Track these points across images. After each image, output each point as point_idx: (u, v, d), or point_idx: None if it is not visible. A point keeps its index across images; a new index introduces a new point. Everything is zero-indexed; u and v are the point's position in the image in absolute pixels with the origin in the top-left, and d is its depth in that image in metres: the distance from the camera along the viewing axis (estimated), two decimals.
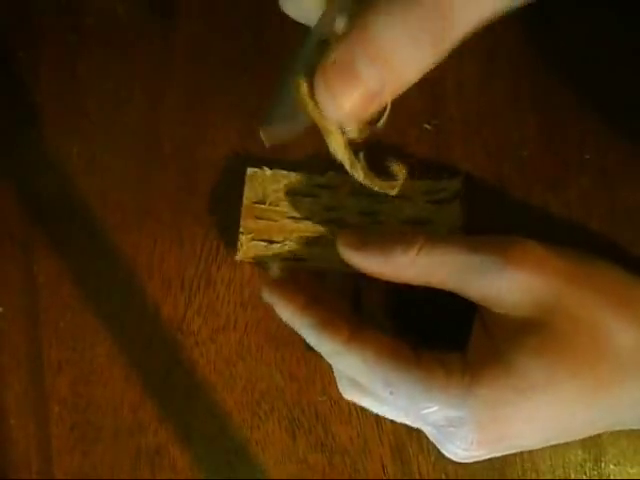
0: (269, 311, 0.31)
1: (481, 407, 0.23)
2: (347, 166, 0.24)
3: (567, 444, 0.27)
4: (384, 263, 0.26)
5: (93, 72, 0.33)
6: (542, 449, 0.29)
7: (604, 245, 0.28)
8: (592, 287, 0.24)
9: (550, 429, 0.24)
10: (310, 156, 0.31)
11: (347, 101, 0.20)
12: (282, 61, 0.25)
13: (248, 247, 0.30)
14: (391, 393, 0.24)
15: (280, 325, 0.31)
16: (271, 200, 0.31)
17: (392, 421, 0.27)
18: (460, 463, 0.26)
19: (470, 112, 0.30)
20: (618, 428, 0.26)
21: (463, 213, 0.29)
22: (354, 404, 0.29)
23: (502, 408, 0.23)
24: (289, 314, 0.27)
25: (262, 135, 0.23)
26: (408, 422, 0.27)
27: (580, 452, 0.29)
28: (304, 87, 0.21)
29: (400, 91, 0.21)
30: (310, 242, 0.30)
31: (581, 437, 0.25)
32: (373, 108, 0.21)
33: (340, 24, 0.22)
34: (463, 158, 0.27)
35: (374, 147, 0.24)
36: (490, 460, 0.26)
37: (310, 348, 0.27)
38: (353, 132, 0.23)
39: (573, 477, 0.29)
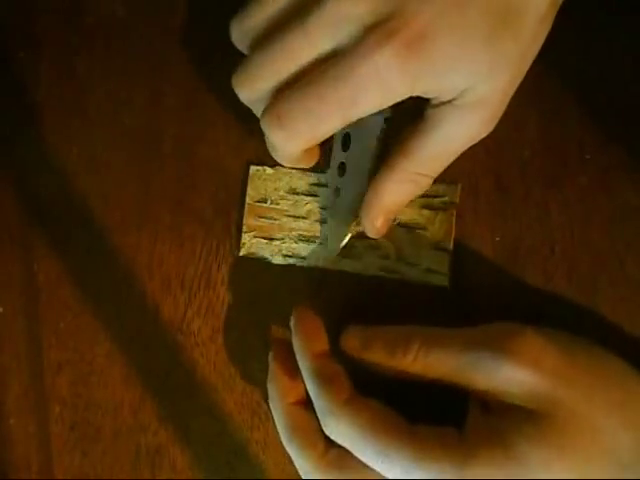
0: (269, 311, 0.31)
1: None
2: None
3: None
4: (387, 364, 0.26)
5: (93, 72, 0.33)
6: None
7: (604, 245, 0.28)
8: (590, 385, 0.24)
9: None
10: None
11: None
12: None
13: (250, 244, 0.31)
14: (382, 462, 0.24)
15: (280, 325, 0.31)
16: (272, 199, 0.31)
17: None
18: None
19: None
20: None
21: (455, 223, 0.29)
22: None
23: None
24: (303, 349, 0.27)
25: None
26: None
27: None
28: None
29: None
30: (309, 240, 0.30)
31: None
32: None
33: None
34: (463, 158, 0.27)
35: None
36: None
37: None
38: None
39: None
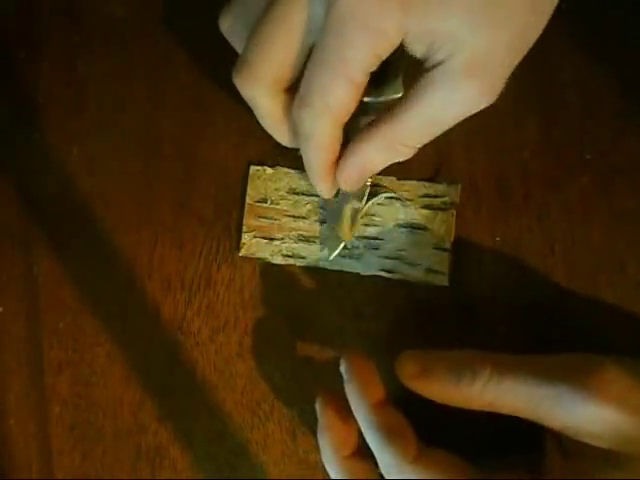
0: (269, 311, 0.31)
1: None
2: None
3: None
4: (449, 394, 0.24)
5: (93, 72, 0.33)
6: None
7: (604, 245, 0.28)
8: None
9: None
10: None
11: None
12: None
13: (250, 244, 0.31)
14: None
15: (280, 325, 0.31)
16: (272, 199, 0.31)
17: None
18: None
19: None
20: None
21: (455, 223, 0.29)
22: None
23: None
24: (360, 398, 0.25)
25: None
26: None
27: None
28: None
29: None
30: (309, 240, 0.30)
31: None
32: None
33: None
34: (463, 159, 0.27)
35: None
36: None
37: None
38: None
39: None
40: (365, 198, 0.29)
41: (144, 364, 0.32)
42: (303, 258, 0.30)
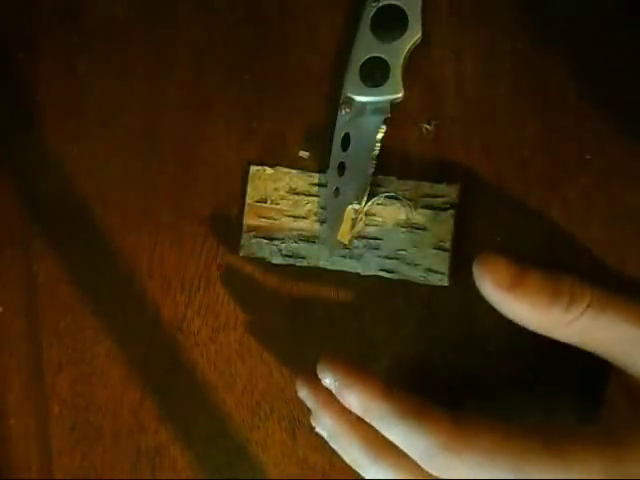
0: (269, 311, 0.31)
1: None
2: None
3: None
4: (537, 315, 0.22)
5: (93, 72, 0.33)
6: None
7: (604, 246, 0.28)
8: None
9: None
10: (310, 155, 0.31)
11: None
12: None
13: (250, 244, 0.31)
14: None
15: (280, 325, 0.31)
16: (272, 199, 0.31)
17: None
18: None
19: (470, 112, 0.30)
20: None
21: (455, 223, 0.29)
22: None
23: None
24: (372, 396, 0.22)
25: None
26: None
27: None
28: None
29: None
30: (309, 240, 0.30)
31: None
32: None
33: None
34: (463, 158, 0.27)
35: None
36: None
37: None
38: None
39: None
40: (365, 198, 0.29)
41: (144, 364, 0.32)
42: (303, 258, 0.30)
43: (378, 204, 0.30)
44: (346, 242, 0.30)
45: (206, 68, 0.32)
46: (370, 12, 0.29)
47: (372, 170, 0.28)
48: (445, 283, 0.29)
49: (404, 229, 0.30)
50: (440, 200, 0.29)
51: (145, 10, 0.33)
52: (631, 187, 0.28)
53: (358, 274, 0.30)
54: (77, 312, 0.33)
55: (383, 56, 0.28)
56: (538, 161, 0.29)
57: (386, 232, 0.29)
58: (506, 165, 0.29)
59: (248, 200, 0.31)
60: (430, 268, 0.29)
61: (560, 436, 0.21)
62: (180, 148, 0.32)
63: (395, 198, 0.30)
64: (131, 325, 0.32)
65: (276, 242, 0.31)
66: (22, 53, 0.34)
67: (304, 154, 0.31)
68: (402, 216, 0.30)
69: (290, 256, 0.31)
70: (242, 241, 0.31)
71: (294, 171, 0.31)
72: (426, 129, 0.30)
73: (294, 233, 0.31)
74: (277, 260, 0.31)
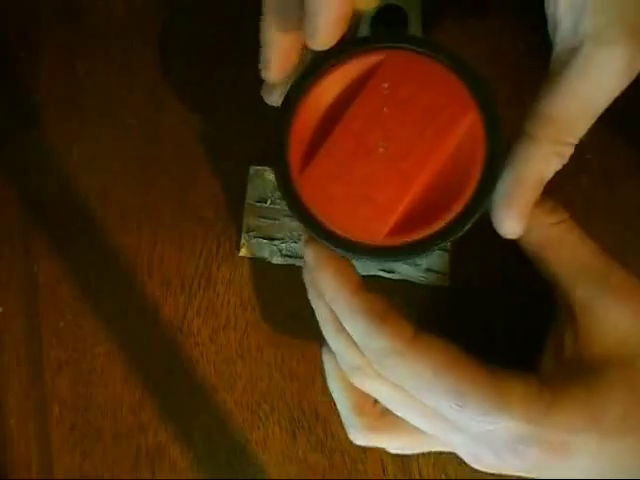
0: (269, 311, 0.31)
1: (558, 430, 0.22)
2: None
3: None
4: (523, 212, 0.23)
5: (93, 72, 0.33)
6: None
7: (604, 245, 0.28)
8: None
9: (609, 470, 0.23)
10: None
11: None
12: None
13: (250, 244, 0.31)
14: (458, 405, 0.22)
15: (280, 325, 0.31)
16: (272, 199, 0.31)
17: None
18: (460, 463, 0.26)
19: None
20: None
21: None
22: None
23: (576, 435, 0.22)
24: (337, 283, 0.23)
25: None
26: (450, 444, 0.25)
27: None
28: None
29: None
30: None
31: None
32: None
33: None
34: None
35: None
36: None
37: (325, 345, 0.25)
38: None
39: None
40: None
41: (144, 364, 0.32)
42: (302, 258, 0.30)
43: None
44: None
45: (206, 68, 0.32)
46: (370, 12, 0.29)
47: None
48: (445, 283, 0.29)
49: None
50: None
51: (145, 10, 0.33)
52: (632, 187, 0.28)
53: (358, 274, 0.30)
54: (77, 312, 0.32)
55: None
56: None
57: None
58: None
59: (248, 200, 0.31)
60: (430, 268, 0.29)
61: (506, 375, 0.22)
62: (180, 148, 0.32)
63: None
64: (131, 325, 0.32)
65: (276, 242, 0.31)
66: (22, 52, 0.34)
67: None
68: None
69: (290, 256, 0.31)
70: (242, 241, 0.31)
71: None
72: None
73: (294, 233, 0.31)
74: (277, 260, 0.31)
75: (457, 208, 0.22)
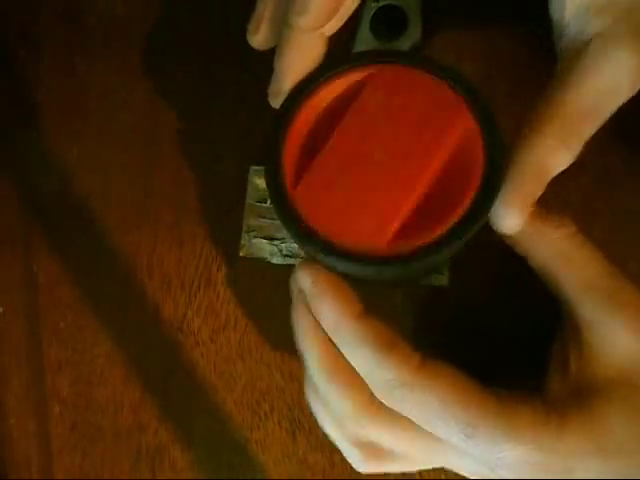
0: (269, 311, 0.31)
1: (566, 455, 0.21)
2: None
3: None
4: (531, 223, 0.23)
5: (93, 72, 0.33)
6: None
7: (604, 245, 0.28)
8: None
9: None
10: None
11: None
12: None
13: (250, 245, 0.31)
14: (467, 435, 0.21)
15: (280, 325, 0.31)
16: None
17: None
18: None
19: None
20: None
21: None
22: None
23: (581, 460, 0.22)
24: (340, 309, 0.22)
25: None
26: (453, 466, 0.24)
27: None
28: None
29: None
30: None
31: None
32: None
33: None
34: None
35: None
36: None
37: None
38: None
39: None
40: None
41: (144, 364, 0.32)
42: (303, 258, 0.30)
43: None
44: None
45: (206, 68, 0.32)
46: (370, 12, 0.29)
47: None
48: (445, 283, 0.29)
49: None
50: None
51: (145, 10, 0.33)
52: (632, 187, 0.28)
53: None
54: (77, 312, 0.33)
55: None
56: None
57: None
58: None
59: (248, 200, 0.31)
60: None
61: (513, 401, 0.22)
62: (180, 148, 0.32)
63: None
64: (131, 325, 0.32)
65: (276, 242, 0.31)
66: (22, 52, 0.34)
67: None
68: None
69: (290, 256, 0.31)
70: (242, 241, 0.31)
71: None
72: None
73: None
74: (277, 260, 0.31)
75: (460, 212, 0.22)
